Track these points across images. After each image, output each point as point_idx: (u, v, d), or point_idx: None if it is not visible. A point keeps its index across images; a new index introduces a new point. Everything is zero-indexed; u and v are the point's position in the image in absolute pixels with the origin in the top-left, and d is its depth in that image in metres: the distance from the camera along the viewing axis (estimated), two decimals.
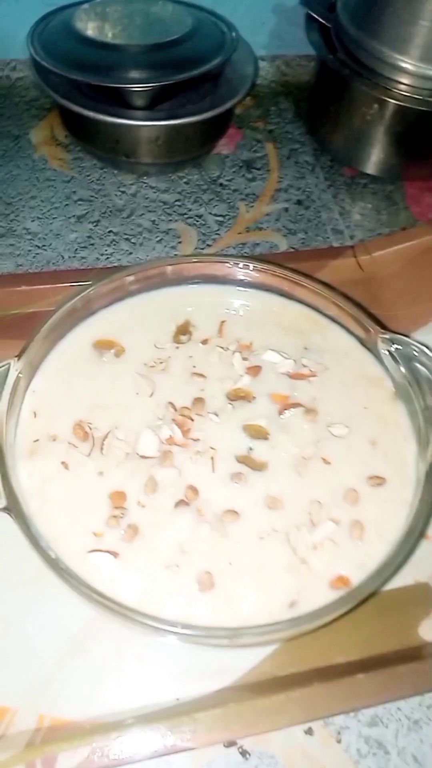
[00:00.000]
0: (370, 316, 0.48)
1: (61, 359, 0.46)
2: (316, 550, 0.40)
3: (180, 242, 0.68)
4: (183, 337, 0.48)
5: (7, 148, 0.74)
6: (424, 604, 0.47)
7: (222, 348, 0.48)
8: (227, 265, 0.50)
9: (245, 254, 0.68)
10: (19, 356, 0.43)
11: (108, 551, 0.39)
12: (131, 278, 0.49)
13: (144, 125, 0.63)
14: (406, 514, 0.40)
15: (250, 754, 0.43)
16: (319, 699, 0.42)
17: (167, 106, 0.65)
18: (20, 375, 0.42)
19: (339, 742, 0.44)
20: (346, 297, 0.49)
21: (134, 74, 0.62)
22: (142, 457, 0.43)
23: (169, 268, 0.49)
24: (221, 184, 0.74)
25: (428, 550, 0.48)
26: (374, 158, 0.73)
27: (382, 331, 0.46)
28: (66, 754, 0.40)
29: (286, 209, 0.73)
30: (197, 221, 0.70)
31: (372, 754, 0.44)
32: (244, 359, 0.47)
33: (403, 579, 0.47)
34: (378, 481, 0.42)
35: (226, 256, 0.53)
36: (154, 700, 0.43)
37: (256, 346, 0.48)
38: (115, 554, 0.39)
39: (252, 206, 0.72)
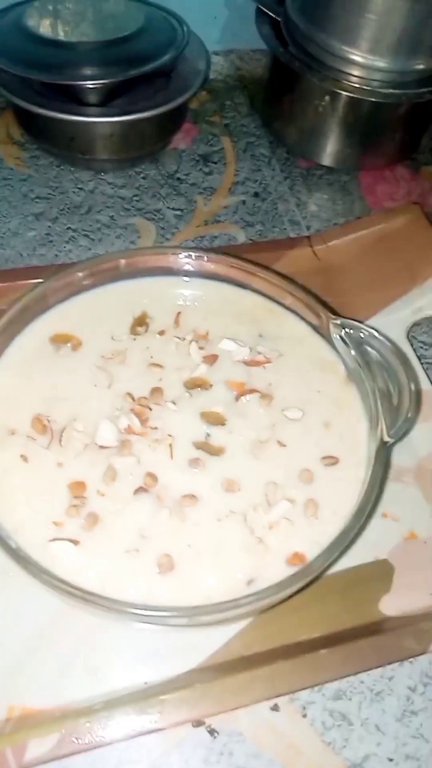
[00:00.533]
0: (323, 303, 0.49)
1: (18, 354, 0.46)
2: (272, 529, 0.41)
3: (139, 237, 0.69)
4: (140, 329, 0.49)
5: None
6: (383, 580, 0.49)
7: (179, 338, 0.49)
8: (181, 256, 0.51)
9: (204, 246, 0.69)
10: None
11: (69, 539, 0.40)
12: (85, 273, 0.49)
13: (98, 122, 0.64)
14: (359, 491, 0.41)
15: (218, 733, 0.44)
16: (283, 675, 0.43)
17: (121, 102, 0.66)
18: None
19: (305, 716, 0.45)
20: (299, 285, 0.50)
21: (87, 71, 0.63)
22: (101, 447, 0.44)
23: (123, 261, 0.50)
24: (178, 179, 0.75)
25: (386, 527, 0.50)
26: (329, 149, 0.75)
27: (334, 316, 0.48)
28: (36, 741, 0.41)
29: (244, 202, 0.74)
30: (155, 216, 0.71)
31: (336, 726, 0.45)
32: (201, 348, 0.48)
33: (363, 556, 0.48)
34: (332, 460, 0.44)
35: (178, 247, 0.53)
36: (122, 685, 0.44)
37: (212, 335, 0.49)
38: (75, 542, 0.40)
39: (209, 199, 0.73)
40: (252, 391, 0.46)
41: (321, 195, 0.76)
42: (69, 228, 0.69)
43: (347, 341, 0.47)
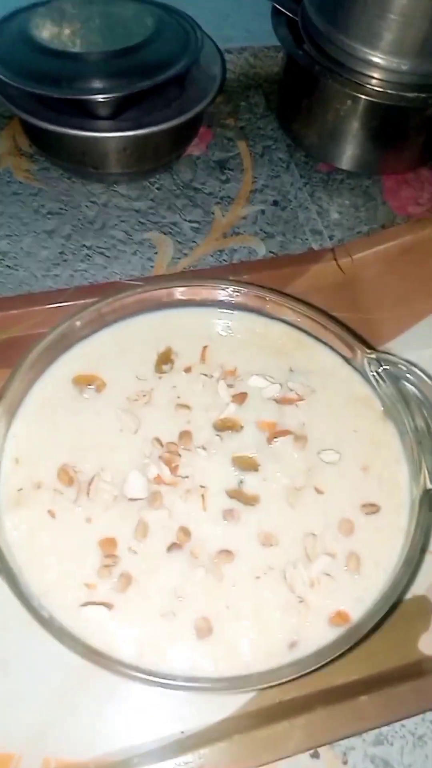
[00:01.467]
0: (355, 334, 0.47)
1: (41, 399, 0.45)
2: (313, 586, 0.39)
3: (156, 253, 0.67)
4: (165, 366, 0.47)
5: None
6: (422, 618, 0.47)
7: (206, 375, 0.47)
8: (207, 288, 0.49)
9: (224, 262, 0.66)
10: None
11: (102, 603, 0.38)
12: (107, 308, 0.47)
13: (110, 137, 0.61)
14: (402, 543, 0.40)
15: None
16: (322, 724, 0.42)
17: (133, 114, 0.63)
18: None
19: (345, 763, 0.44)
20: (330, 317, 0.47)
21: (97, 84, 0.60)
22: (131, 499, 0.42)
23: (147, 293, 0.48)
24: (195, 188, 0.72)
25: (425, 563, 0.48)
26: (349, 153, 0.72)
27: (369, 351, 0.46)
28: None
29: (263, 211, 0.71)
30: (172, 229, 0.69)
31: None
32: (229, 386, 0.46)
33: None
34: (372, 509, 0.42)
35: (204, 279, 0.51)
36: (158, 734, 0.43)
37: (240, 371, 0.47)
38: (109, 606, 0.38)
39: (227, 210, 0.71)
40: (285, 432, 0.44)
41: (343, 201, 0.73)
42: (83, 246, 0.66)
43: (383, 377, 0.45)
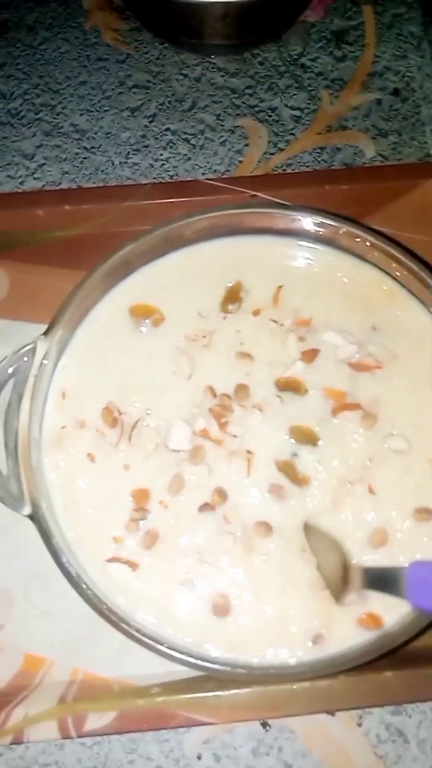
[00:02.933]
0: None
1: (95, 329, 0.41)
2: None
3: (247, 145, 0.59)
4: (231, 306, 0.42)
5: (55, 14, 0.63)
6: None
7: (275, 322, 0.42)
8: (291, 215, 0.42)
9: (323, 163, 0.58)
10: (46, 333, 0.39)
11: (126, 561, 0.37)
12: (173, 230, 0.42)
13: (209, 2, 0.51)
14: None
15: (270, 727, 0.44)
16: (344, 692, 0.42)
17: None
18: (45, 362, 0.38)
19: (360, 725, 0.45)
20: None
21: None
22: (172, 450, 0.39)
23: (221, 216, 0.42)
24: (303, 65, 0.62)
25: None
26: None
27: None
28: (95, 714, 0.42)
29: (379, 102, 0.60)
30: (269, 116, 0.60)
31: (391, 741, 0.44)
32: (300, 339, 0.41)
33: None
34: (426, 515, 0.38)
35: (285, 206, 0.44)
36: (182, 669, 0.44)
37: (315, 322, 0.42)
38: (133, 565, 0.38)
39: (337, 96, 0.61)
40: (354, 406, 0.39)
41: None
42: (168, 129, 0.59)
43: None
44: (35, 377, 0.38)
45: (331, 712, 0.44)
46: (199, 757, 0.43)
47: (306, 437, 0.39)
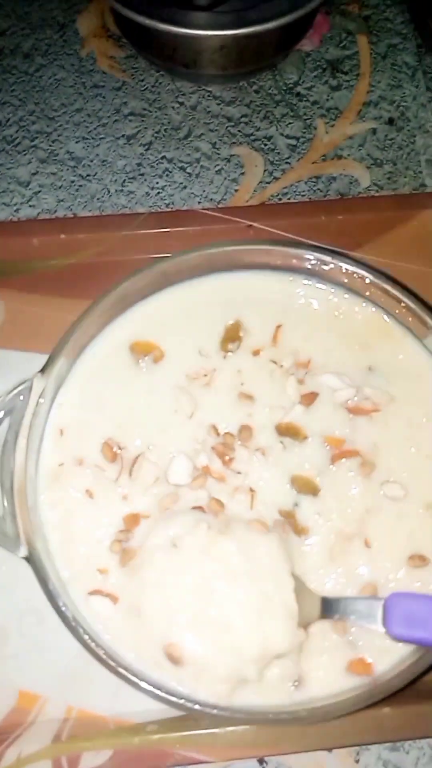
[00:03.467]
0: None
1: (92, 365, 0.41)
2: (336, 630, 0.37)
3: (243, 173, 0.59)
4: (231, 345, 0.42)
5: (51, 41, 0.63)
6: None
7: (275, 363, 0.42)
8: (290, 252, 0.42)
9: (318, 192, 0.58)
10: (43, 370, 0.39)
11: (108, 594, 0.37)
12: (173, 266, 0.42)
13: (205, 35, 0.51)
14: None
15: (267, 764, 0.44)
16: (341, 729, 0.42)
17: (235, 3, 0.52)
18: (41, 400, 0.38)
19: (357, 762, 0.44)
20: (430, 308, 0.41)
21: None
22: (173, 485, 0.39)
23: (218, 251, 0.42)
24: (298, 94, 0.62)
25: None
26: None
27: None
28: (90, 753, 0.42)
29: (374, 131, 0.61)
30: (265, 145, 0.60)
31: None
32: (299, 382, 0.41)
33: None
34: (420, 562, 0.38)
35: (286, 243, 0.44)
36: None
37: (314, 365, 0.42)
38: (113, 598, 0.37)
39: (333, 125, 0.61)
40: (352, 453, 0.39)
41: None
42: (164, 157, 0.59)
43: None
44: (32, 415, 0.37)
45: (329, 749, 0.44)
46: None
47: (308, 488, 0.39)
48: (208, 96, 0.61)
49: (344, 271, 0.42)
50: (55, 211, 0.57)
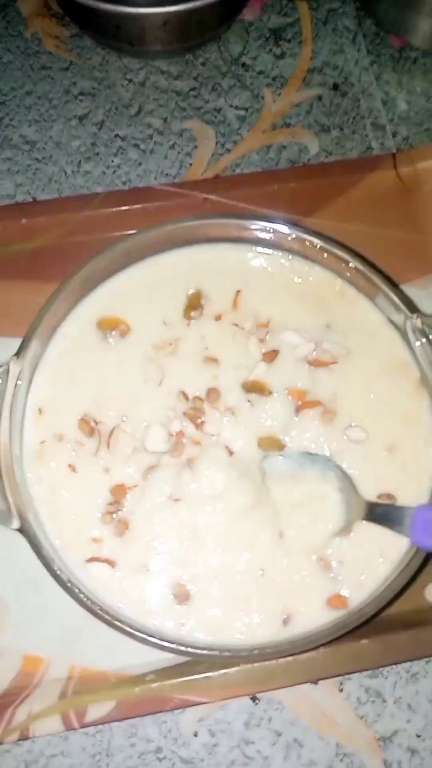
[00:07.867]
0: (401, 294, 0.43)
1: (64, 344, 0.43)
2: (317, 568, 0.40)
3: (196, 147, 0.61)
4: (194, 313, 0.44)
5: None
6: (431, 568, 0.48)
7: (237, 326, 0.44)
8: (245, 224, 0.44)
9: (269, 161, 0.60)
10: (18, 353, 0.41)
11: (105, 560, 0.40)
12: (134, 244, 0.44)
13: (147, 13, 0.52)
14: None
15: (259, 700, 0.48)
16: (324, 662, 0.45)
17: None
18: (19, 382, 0.40)
19: (341, 691, 0.48)
20: (378, 270, 0.43)
21: None
22: (151, 452, 0.42)
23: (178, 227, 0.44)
24: (244, 65, 0.63)
25: None
26: (429, 28, 0.61)
27: (413, 315, 0.42)
28: (95, 705, 0.45)
29: (320, 97, 0.63)
30: (215, 117, 0.62)
31: (371, 702, 0.48)
32: (261, 341, 0.44)
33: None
34: (388, 499, 0.41)
35: (240, 216, 0.46)
36: (172, 654, 0.47)
37: (274, 323, 0.44)
38: (111, 563, 0.40)
39: (279, 94, 0.63)
40: (314, 403, 0.42)
41: (413, 87, 0.63)
42: (117, 135, 0.60)
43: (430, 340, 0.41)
44: (12, 397, 0.39)
45: (314, 682, 0.48)
46: (195, 735, 0.46)
47: (274, 445, 0.42)
48: (156, 71, 0.62)
49: (295, 237, 0.44)
50: (15, 196, 0.58)
